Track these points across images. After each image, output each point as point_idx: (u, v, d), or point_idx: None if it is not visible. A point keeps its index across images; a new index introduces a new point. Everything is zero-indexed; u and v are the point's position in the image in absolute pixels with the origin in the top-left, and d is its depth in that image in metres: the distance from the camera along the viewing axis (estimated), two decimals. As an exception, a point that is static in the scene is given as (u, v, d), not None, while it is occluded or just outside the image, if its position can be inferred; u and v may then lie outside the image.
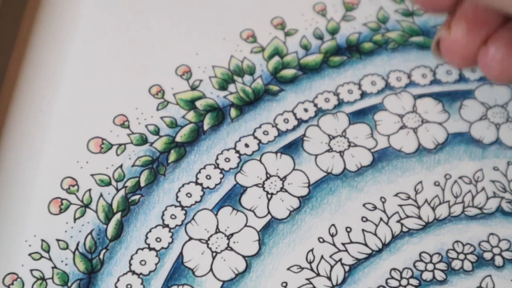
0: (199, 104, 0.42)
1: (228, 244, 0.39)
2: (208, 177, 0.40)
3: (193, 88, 0.43)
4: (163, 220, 0.39)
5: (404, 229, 0.39)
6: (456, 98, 0.43)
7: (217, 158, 0.41)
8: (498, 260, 0.38)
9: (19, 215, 0.39)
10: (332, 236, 0.39)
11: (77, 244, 0.38)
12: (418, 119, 0.42)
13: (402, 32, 0.45)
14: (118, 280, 0.38)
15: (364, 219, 0.39)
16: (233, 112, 0.42)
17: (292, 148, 0.41)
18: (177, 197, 0.40)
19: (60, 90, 0.43)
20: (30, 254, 0.38)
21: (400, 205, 0.40)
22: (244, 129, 0.42)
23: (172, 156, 0.41)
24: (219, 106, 0.42)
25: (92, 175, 0.40)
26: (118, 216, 0.39)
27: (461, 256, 0.38)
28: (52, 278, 0.38)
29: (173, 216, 0.39)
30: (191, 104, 0.42)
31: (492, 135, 0.42)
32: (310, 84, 0.43)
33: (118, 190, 0.40)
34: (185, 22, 0.45)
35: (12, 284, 0.37)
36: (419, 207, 0.40)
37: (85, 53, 0.44)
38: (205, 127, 0.42)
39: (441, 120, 0.42)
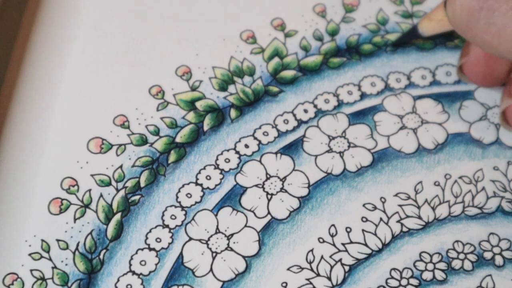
0: (199, 104, 0.42)
1: (228, 244, 0.39)
2: (208, 177, 0.40)
3: (193, 88, 0.43)
4: (163, 221, 0.39)
5: (404, 229, 0.39)
6: (455, 99, 0.43)
7: (217, 159, 0.41)
8: (499, 260, 0.38)
9: (19, 215, 0.39)
10: (332, 236, 0.39)
11: (77, 244, 0.38)
12: (417, 120, 0.42)
13: (402, 34, 0.45)
14: (118, 280, 0.38)
15: (364, 219, 0.39)
16: (233, 113, 0.42)
17: (292, 149, 0.41)
18: (177, 197, 0.40)
19: (60, 90, 0.43)
20: (30, 254, 0.38)
21: (400, 205, 0.40)
22: (244, 130, 0.42)
23: (172, 157, 0.41)
24: (219, 107, 0.42)
25: (92, 175, 0.40)
26: (118, 216, 0.39)
27: (461, 256, 0.38)
28: (52, 278, 0.38)
29: (173, 217, 0.39)
30: (191, 104, 0.42)
31: (492, 135, 0.42)
32: (310, 85, 0.43)
33: (118, 191, 0.40)
34: (185, 23, 0.45)
35: (12, 284, 0.37)
36: (419, 207, 0.40)
37: (85, 53, 0.44)
38: (205, 127, 0.42)
39: (441, 121, 0.42)
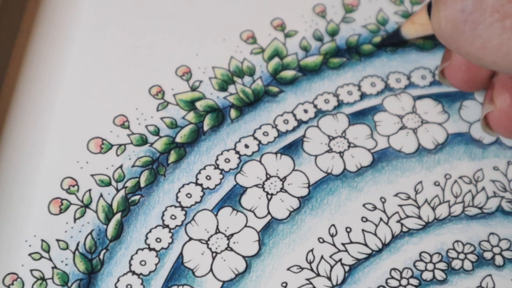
0: (199, 105, 0.42)
1: (228, 244, 0.39)
2: (208, 177, 0.40)
3: (193, 89, 0.43)
4: (163, 221, 0.39)
5: (404, 229, 0.39)
6: (455, 99, 0.43)
7: (217, 159, 0.41)
8: (498, 260, 0.38)
9: (19, 215, 0.39)
10: (332, 236, 0.39)
11: (77, 244, 0.38)
12: (417, 120, 0.42)
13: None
14: (118, 280, 0.38)
15: (364, 219, 0.39)
16: (233, 113, 0.42)
17: (292, 149, 0.41)
18: (177, 197, 0.40)
19: (60, 90, 0.43)
20: (30, 254, 0.38)
21: (400, 205, 0.40)
22: (244, 130, 0.42)
23: (172, 157, 0.41)
24: (219, 107, 0.42)
25: (92, 175, 0.40)
26: (118, 216, 0.39)
27: (461, 256, 0.38)
28: (52, 278, 0.38)
29: (173, 217, 0.39)
30: (191, 104, 0.42)
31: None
32: (310, 85, 0.43)
33: (118, 191, 0.40)
34: (185, 23, 0.45)
35: (12, 284, 0.37)
36: (419, 207, 0.40)
37: (85, 53, 0.44)
38: (205, 127, 0.42)
39: (441, 121, 0.42)
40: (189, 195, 0.40)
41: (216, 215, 0.39)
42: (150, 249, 0.38)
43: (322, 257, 0.38)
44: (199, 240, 0.39)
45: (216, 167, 0.41)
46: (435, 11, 0.36)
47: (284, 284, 0.38)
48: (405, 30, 0.43)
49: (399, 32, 0.43)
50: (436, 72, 0.44)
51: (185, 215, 0.39)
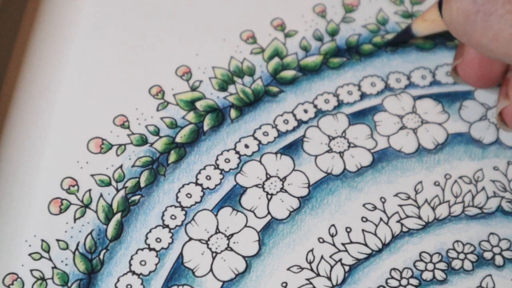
0: (199, 105, 0.42)
1: (228, 244, 0.39)
2: (208, 177, 0.40)
3: (193, 89, 0.43)
4: (163, 221, 0.39)
5: (404, 229, 0.39)
6: (455, 99, 0.43)
7: (217, 159, 0.41)
8: (498, 260, 0.38)
9: (19, 215, 0.39)
10: (332, 236, 0.39)
11: (77, 244, 0.38)
12: (417, 120, 0.42)
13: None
14: (118, 280, 0.38)
15: (364, 219, 0.39)
16: (233, 113, 0.42)
17: (292, 149, 0.41)
18: (177, 197, 0.40)
19: (60, 90, 0.43)
20: (30, 254, 0.38)
21: (400, 205, 0.40)
22: (244, 130, 0.42)
23: (172, 157, 0.41)
24: (219, 107, 0.42)
25: (92, 175, 0.40)
26: (118, 216, 0.39)
27: (461, 256, 0.38)
28: (52, 278, 0.38)
29: (173, 217, 0.39)
30: (191, 104, 0.42)
31: (492, 135, 0.42)
32: (310, 85, 0.43)
33: (118, 191, 0.40)
34: (185, 23, 0.45)
35: (12, 284, 0.37)
36: (419, 207, 0.40)
37: (85, 53, 0.44)
38: (205, 128, 0.42)
39: (441, 121, 0.42)
40: (189, 195, 0.40)
41: (216, 215, 0.39)
42: (150, 249, 0.38)
43: (322, 257, 0.38)
44: (199, 240, 0.39)
45: (216, 167, 0.41)
46: (447, 3, 0.36)
47: (284, 284, 0.38)
48: (416, 28, 0.43)
49: (409, 29, 0.43)
50: (437, 72, 0.44)
51: (185, 215, 0.39)
